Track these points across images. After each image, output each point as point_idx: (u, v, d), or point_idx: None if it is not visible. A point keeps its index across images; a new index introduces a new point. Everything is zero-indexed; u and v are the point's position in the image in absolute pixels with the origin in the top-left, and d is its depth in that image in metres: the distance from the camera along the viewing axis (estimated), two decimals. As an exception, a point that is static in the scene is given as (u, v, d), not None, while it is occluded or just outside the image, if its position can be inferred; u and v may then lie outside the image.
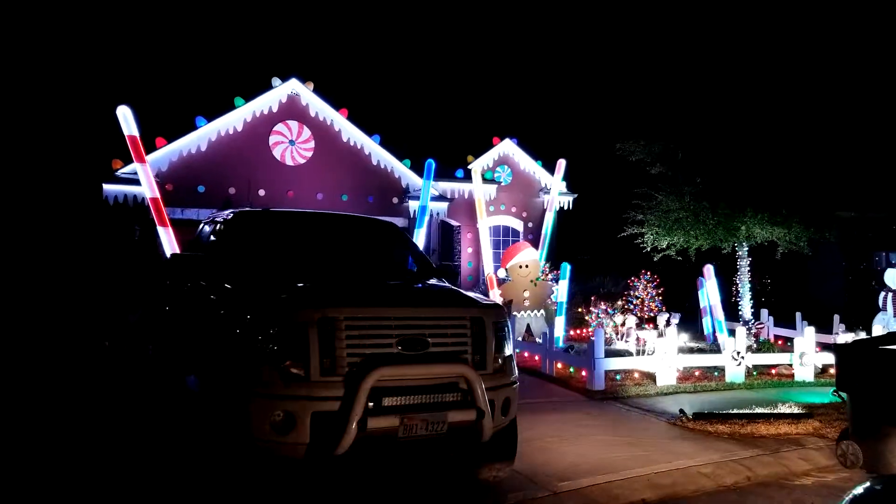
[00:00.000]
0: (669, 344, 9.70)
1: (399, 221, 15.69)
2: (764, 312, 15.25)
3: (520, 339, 12.98)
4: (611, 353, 11.17)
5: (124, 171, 13.12)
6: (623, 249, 15.45)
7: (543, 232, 19.50)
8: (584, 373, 9.68)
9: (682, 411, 7.97)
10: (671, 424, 7.78)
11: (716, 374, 10.31)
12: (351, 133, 15.12)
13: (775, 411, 8.10)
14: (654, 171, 12.66)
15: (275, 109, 14.45)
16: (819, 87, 11.55)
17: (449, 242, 19.30)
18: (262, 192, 14.36)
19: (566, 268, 13.01)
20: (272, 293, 4.42)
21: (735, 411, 8.10)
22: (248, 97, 14.22)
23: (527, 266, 13.07)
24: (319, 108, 14.83)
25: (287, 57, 30.46)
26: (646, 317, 16.13)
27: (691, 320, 15.82)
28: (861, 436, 6.12)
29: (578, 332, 14.66)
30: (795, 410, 8.17)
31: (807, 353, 10.32)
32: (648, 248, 12.58)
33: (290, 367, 4.07)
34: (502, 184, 19.59)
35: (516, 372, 5.15)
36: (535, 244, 19.79)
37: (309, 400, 4.04)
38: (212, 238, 6.18)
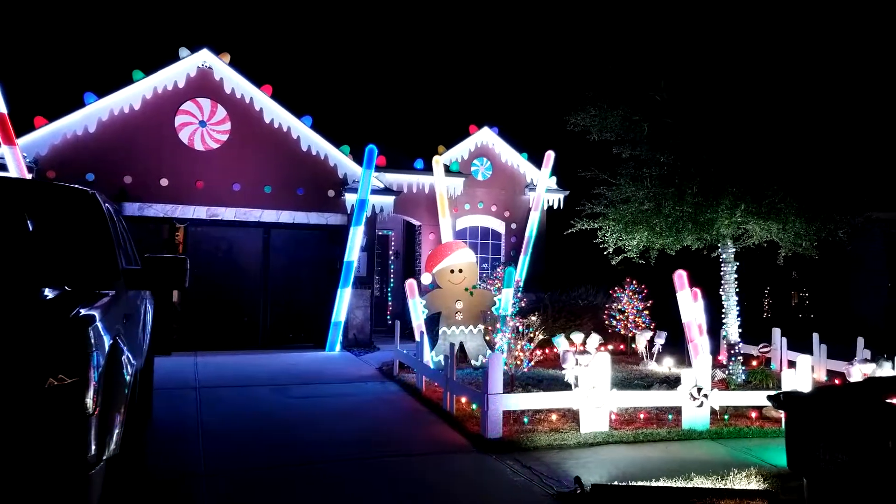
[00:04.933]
0: (598, 374, 7.08)
1: (336, 218, 13.42)
2: (776, 332, 12.34)
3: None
4: (557, 385, 8.60)
5: (-7, 154, 11.26)
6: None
7: (527, 234, 16.94)
8: (484, 412, 7.16)
9: (577, 480, 5.39)
10: (558, 502, 5.23)
11: (671, 417, 7.63)
12: (275, 113, 12.92)
13: (719, 486, 5.44)
14: (625, 155, 10.03)
15: (181, 85, 12.36)
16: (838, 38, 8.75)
17: (411, 244, 16.95)
18: (164, 182, 12.27)
19: (511, 273, 10.48)
20: None
21: (659, 484, 5.48)
22: (150, 70, 12.18)
23: (460, 270, 10.55)
24: (237, 83, 12.68)
25: (204, 27, 27.63)
26: (630, 335, 13.43)
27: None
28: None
29: (535, 352, 11.96)
30: (751, 485, 5.48)
31: (800, 390, 7.49)
32: (611, 250, 9.92)
33: None
34: (480, 179, 17.10)
35: None
36: (518, 247, 17.28)
37: None
38: None
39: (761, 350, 11.74)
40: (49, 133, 11.64)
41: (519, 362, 7.69)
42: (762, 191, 8.18)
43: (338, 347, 12.86)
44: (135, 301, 4.80)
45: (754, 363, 12.24)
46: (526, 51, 31.78)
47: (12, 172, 10.97)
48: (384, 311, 16.84)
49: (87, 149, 11.88)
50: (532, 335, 7.81)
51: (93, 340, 2.91)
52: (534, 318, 8.61)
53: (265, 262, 13.09)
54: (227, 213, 12.69)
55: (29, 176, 11.26)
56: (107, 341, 3.14)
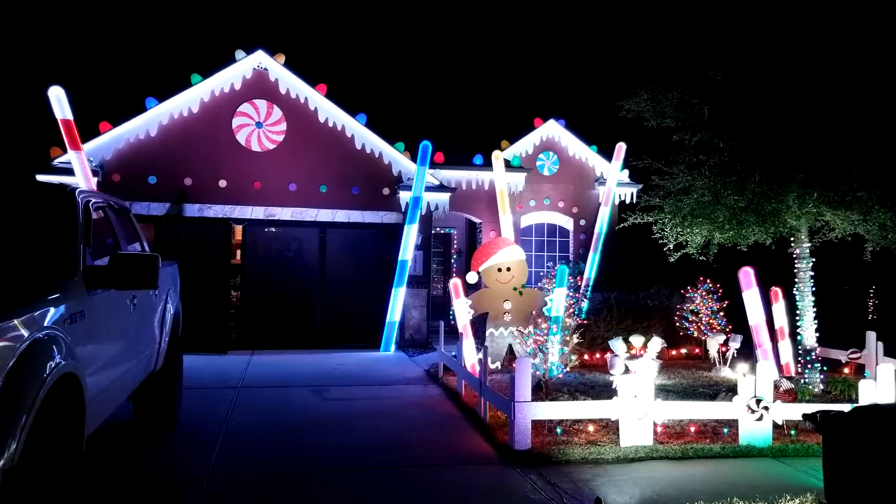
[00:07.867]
0: (641, 381, 6.42)
1: (391, 216, 13.21)
2: (870, 336, 11.04)
3: (498, 364, 9.97)
4: (608, 392, 7.93)
5: (62, 160, 11.73)
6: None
7: (597, 230, 16.12)
8: (515, 420, 6.65)
9: (598, 502, 4.83)
10: (573, 525, 4.71)
11: (727, 431, 6.84)
12: (330, 112, 12.84)
13: (763, 515, 4.72)
14: (688, 142, 9.22)
15: (238, 87, 12.50)
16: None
17: (473, 242, 16.52)
18: (223, 183, 12.45)
19: (563, 271, 9.86)
20: None
21: (691, 509, 4.83)
22: (207, 73, 12.39)
23: (508, 269, 10.03)
24: (292, 83, 12.69)
25: (259, 28, 27.65)
26: (706, 338, 12.44)
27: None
28: None
29: (595, 356, 11.26)
30: (803, 516, 4.72)
31: (881, 403, 6.52)
32: (670, 245, 9.13)
33: None
34: (546, 173, 16.45)
35: None
36: (588, 245, 16.50)
37: None
38: None
39: (851, 356, 10.52)
40: (113, 138, 12.04)
41: (564, 363, 7.11)
42: (836, 176, 7.21)
43: (392, 347, 12.64)
44: (119, 301, 4.66)
45: (846, 371, 11.03)
46: (593, 38, 30.32)
47: (78, 177, 11.41)
48: (445, 311, 16.48)
49: (148, 152, 12.21)
50: (568, 338, 7.22)
51: None
52: (569, 322, 7.98)
53: (321, 262, 13.05)
54: (284, 213, 12.73)
55: (94, 180, 11.68)
56: (17, 346, 2.95)
